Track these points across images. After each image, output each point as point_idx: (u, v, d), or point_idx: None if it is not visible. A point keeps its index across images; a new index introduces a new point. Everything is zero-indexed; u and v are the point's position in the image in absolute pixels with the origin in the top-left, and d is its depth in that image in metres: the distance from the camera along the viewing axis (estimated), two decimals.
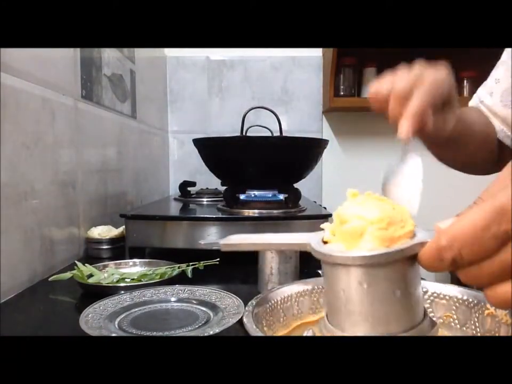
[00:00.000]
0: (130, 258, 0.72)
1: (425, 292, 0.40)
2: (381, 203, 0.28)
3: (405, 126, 0.39)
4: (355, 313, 0.26)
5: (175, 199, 1.13)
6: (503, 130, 0.63)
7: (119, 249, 0.82)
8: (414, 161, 0.37)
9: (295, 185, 0.90)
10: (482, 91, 0.66)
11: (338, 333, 0.27)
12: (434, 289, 0.40)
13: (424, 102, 0.40)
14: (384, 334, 0.25)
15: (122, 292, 0.54)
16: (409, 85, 0.41)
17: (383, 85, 0.43)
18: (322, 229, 0.30)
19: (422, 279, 0.43)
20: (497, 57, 0.65)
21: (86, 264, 0.62)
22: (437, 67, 0.44)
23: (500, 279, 0.23)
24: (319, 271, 0.48)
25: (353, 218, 0.26)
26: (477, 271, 0.24)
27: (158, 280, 0.59)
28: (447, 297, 0.39)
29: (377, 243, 0.25)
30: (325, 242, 0.28)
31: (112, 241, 0.83)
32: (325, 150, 0.91)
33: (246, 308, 0.34)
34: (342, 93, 1.61)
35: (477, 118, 0.62)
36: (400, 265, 0.25)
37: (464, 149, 0.59)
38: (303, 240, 0.29)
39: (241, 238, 0.33)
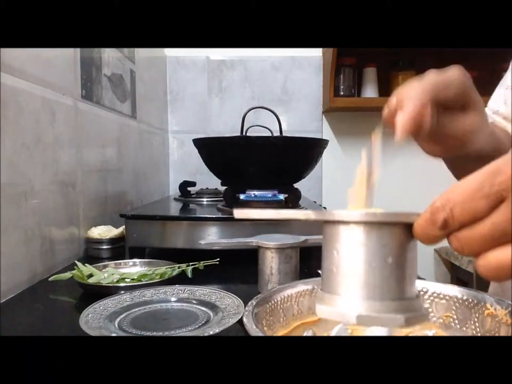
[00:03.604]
0: (130, 258, 0.72)
1: (425, 292, 0.40)
2: None
3: (399, 126, 0.38)
4: (350, 275, 0.27)
5: (175, 199, 1.13)
6: None
7: (119, 249, 0.82)
8: (379, 159, 0.36)
9: (295, 185, 0.90)
10: (493, 103, 0.64)
11: (333, 298, 0.28)
12: (434, 289, 0.40)
13: (419, 99, 0.38)
14: (378, 300, 0.26)
15: (122, 291, 0.54)
16: (409, 89, 0.39)
17: (392, 100, 0.41)
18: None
19: (422, 278, 0.43)
20: (498, 58, 0.64)
21: (86, 264, 0.62)
22: (449, 68, 0.43)
23: (491, 245, 0.23)
24: (319, 271, 0.48)
25: None
26: (469, 234, 0.23)
27: (158, 280, 0.59)
28: (447, 297, 0.39)
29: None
30: None
31: (112, 241, 0.83)
32: (325, 150, 0.91)
33: (246, 308, 0.34)
34: (342, 93, 1.61)
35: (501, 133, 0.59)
36: (395, 231, 0.26)
37: None
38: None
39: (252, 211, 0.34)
